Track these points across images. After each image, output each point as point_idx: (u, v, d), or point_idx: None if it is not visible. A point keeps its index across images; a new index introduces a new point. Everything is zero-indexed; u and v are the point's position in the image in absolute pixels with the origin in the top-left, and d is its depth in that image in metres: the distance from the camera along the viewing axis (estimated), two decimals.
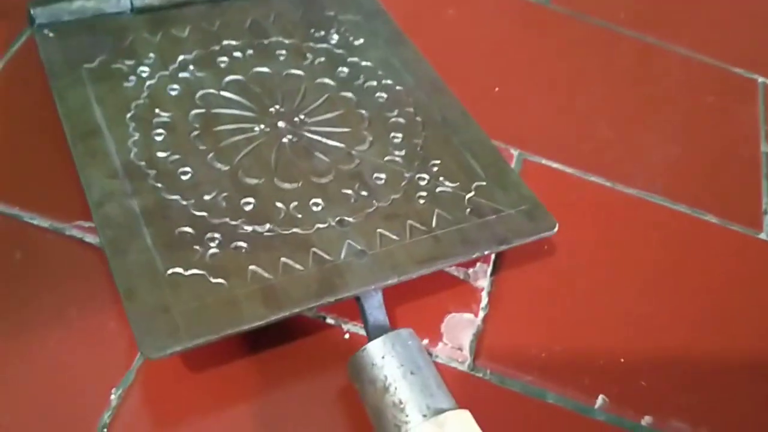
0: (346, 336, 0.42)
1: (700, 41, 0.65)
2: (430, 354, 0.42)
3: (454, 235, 0.42)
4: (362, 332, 0.42)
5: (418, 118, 0.49)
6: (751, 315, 0.48)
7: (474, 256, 0.42)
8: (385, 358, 0.36)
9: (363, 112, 0.48)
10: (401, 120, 0.48)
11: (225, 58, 0.50)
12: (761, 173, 0.56)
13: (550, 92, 0.57)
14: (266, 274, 0.38)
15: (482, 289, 0.45)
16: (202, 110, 0.46)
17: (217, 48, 0.50)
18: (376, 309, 0.39)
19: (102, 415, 0.37)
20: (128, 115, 0.45)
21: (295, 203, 0.42)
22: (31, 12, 0.48)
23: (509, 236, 0.43)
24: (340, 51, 0.52)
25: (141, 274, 0.37)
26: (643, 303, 0.47)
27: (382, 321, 0.39)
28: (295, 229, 0.41)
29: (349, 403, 0.39)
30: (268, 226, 0.41)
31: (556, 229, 0.44)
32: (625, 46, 0.63)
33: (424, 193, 0.44)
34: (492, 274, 0.46)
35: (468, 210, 0.44)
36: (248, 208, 0.41)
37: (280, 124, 0.46)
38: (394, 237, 0.41)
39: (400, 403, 0.35)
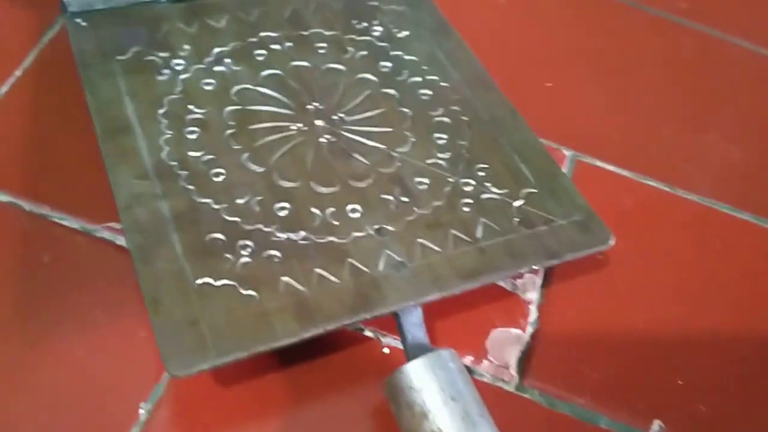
0: (385, 350, 0.40)
1: (766, 34, 0.60)
2: (474, 372, 0.40)
3: (500, 247, 0.39)
4: (402, 347, 0.39)
5: (464, 118, 0.46)
6: None
7: (522, 270, 0.39)
8: (424, 382, 0.34)
9: (405, 110, 0.46)
10: (446, 119, 0.45)
11: (263, 51, 0.47)
12: None
13: (606, 88, 0.54)
14: (299, 286, 0.36)
15: (531, 302, 0.42)
16: (238, 107, 0.44)
17: (254, 40, 0.48)
18: (415, 326, 0.37)
19: (130, 431, 0.35)
20: (161, 111, 0.43)
21: (332, 209, 0.40)
22: (64, 0, 0.46)
23: (560, 250, 0.40)
24: (382, 44, 0.49)
25: (169, 283, 0.35)
26: (704, 320, 0.44)
27: (422, 339, 0.37)
28: (330, 238, 0.39)
29: (385, 423, 0.37)
30: (302, 233, 0.39)
31: (611, 242, 0.41)
32: (686, 38, 0.59)
33: (468, 201, 0.41)
34: (542, 285, 0.43)
35: (516, 220, 0.41)
36: (283, 213, 0.39)
37: (318, 122, 0.44)
38: (436, 248, 0.39)
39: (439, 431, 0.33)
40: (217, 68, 0.46)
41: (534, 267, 0.39)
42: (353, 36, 0.49)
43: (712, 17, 0.60)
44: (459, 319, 0.41)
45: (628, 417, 0.39)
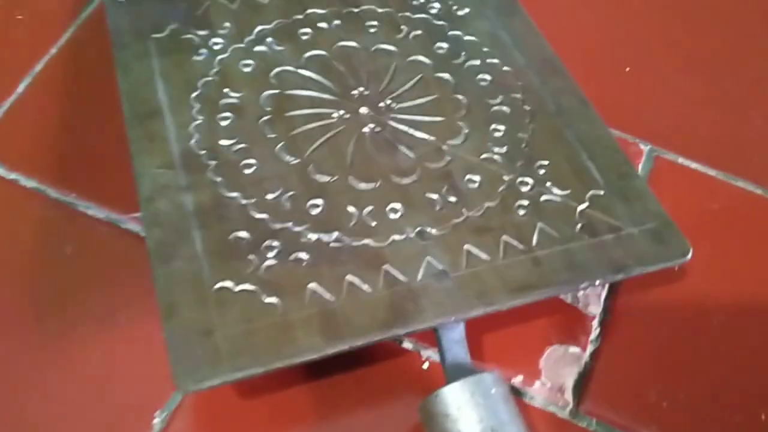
0: (425, 365, 0.36)
1: None
2: (523, 395, 0.35)
3: (558, 257, 0.35)
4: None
5: (526, 107, 0.41)
6: None
7: (582, 285, 0.34)
8: (462, 410, 0.30)
9: (460, 97, 0.41)
10: (505, 108, 0.41)
11: (308, 30, 0.44)
12: None
13: (692, 74, 0.47)
14: (327, 295, 0.33)
15: (593, 317, 0.38)
16: (276, 91, 0.41)
17: (300, 17, 0.44)
18: (455, 344, 0.33)
19: None
20: (194, 95, 0.40)
21: (370, 208, 0.36)
22: None
23: (628, 263, 0.35)
24: (440, 22, 0.45)
25: (185, 286, 0.33)
26: None
27: (463, 358, 0.33)
28: (366, 240, 0.35)
29: None
30: (335, 234, 0.35)
31: (689, 256, 0.36)
32: None
33: (525, 202, 0.37)
34: (607, 298, 0.38)
35: (579, 226, 0.36)
36: (315, 211, 0.36)
37: (363, 110, 0.40)
38: (484, 256, 0.34)
39: None
40: (257, 48, 0.42)
41: (596, 282, 0.34)
42: (408, 13, 0.45)
43: None
44: (509, 333, 0.37)
45: None
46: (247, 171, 0.37)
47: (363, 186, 0.37)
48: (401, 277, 0.33)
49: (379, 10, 0.45)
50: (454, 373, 0.32)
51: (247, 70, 0.41)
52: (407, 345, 0.36)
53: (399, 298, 0.33)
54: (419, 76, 0.42)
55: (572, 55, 0.44)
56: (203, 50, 0.42)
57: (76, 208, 0.39)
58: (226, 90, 0.40)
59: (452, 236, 0.35)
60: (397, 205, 0.36)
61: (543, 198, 0.37)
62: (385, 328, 0.32)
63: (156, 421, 0.33)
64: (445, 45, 0.44)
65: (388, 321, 0.32)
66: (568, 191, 0.37)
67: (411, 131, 0.39)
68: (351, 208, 0.36)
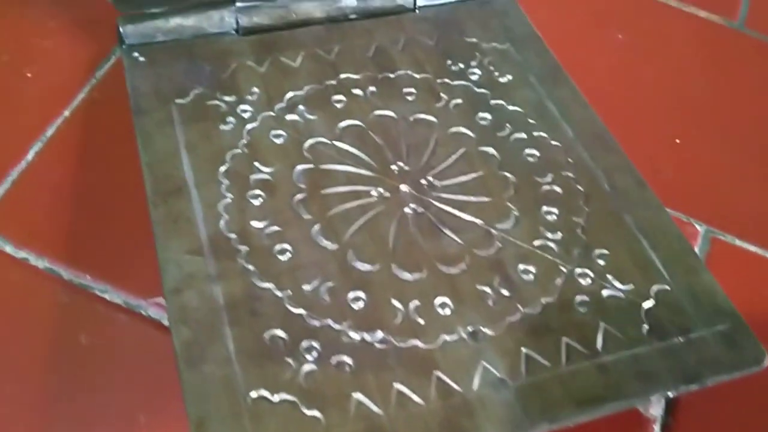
0: None
1: None
2: None
3: (626, 364, 0.31)
4: None
5: (579, 187, 0.38)
6: None
7: (653, 396, 0.31)
8: None
9: (507, 175, 0.38)
10: (557, 188, 0.38)
11: (342, 97, 0.41)
12: None
13: (748, 146, 0.45)
14: (374, 407, 0.29)
15: (654, 421, 0.35)
16: (310, 165, 0.38)
17: (333, 83, 0.41)
18: None
19: None
20: (222, 169, 0.37)
21: (416, 302, 0.33)
22: (121, 30, 0.41)
23: (701, 371, 0.32)
24: (481, 90, 0.42)
25: (218, 396, 0.29)
26: None
27: None
28: (414, 341, 0.32)
29: None
30: (380, 334, 0.32)
31: (765, 363, 0.33)
32: None
33: (586, 298, 0.34)
34: (669, 400, 0.35)
35: (646, 327, 0.33)
36: (357, 306, 0.33)
37: (403, 187, 0.37)
38: (545, 362, 0.31)
39: None
40: (289, 117, 0.39)
41: (668, 393, 0.31)
42: (447, 80, 0.42)
43: None
44: None
45: None
46: (282, 258, 0.34)
47: (407, 276, 0.34)
48: (455, 386, 0.30)
49: (416, 76, 0.42)
50: None
51: (278, 141, 0.38)
52: None
53: (454, 413, 0.30)
54: (462, 150, 0.39)
55: (619, 125, 0.41)
56: (231, 118, 0.39)
57: (92, 292, 0.36)
58: (256, 164, 0.37)
59: (508, 337, 0.32)
60: (446, 300, 0.33)
61: (605, 293, 0.34)
62: None
63: None
64: (487, 116, 0.41)
65: None
66: (631, 286, 0.34)
67: (456, 212, 0.36)
68: (396, 303, 0.33)
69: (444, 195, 0.37)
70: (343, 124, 0.40)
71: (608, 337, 0.32)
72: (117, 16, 0.41)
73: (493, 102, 0.41)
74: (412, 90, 0.42)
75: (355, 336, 0.32)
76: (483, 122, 0.41)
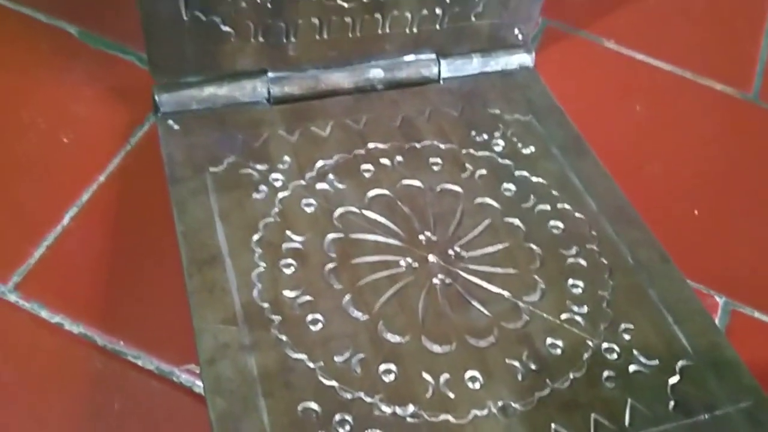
0: None
1: None
2: None
3: None
4: None
5: (604, 260, 0.39)
6: None
7: None
8: None
9: (533, 247, 0.39)
10: (582, 261, 0.39)
11: (370, 166, 0.42)
12: None
13: (766, 218, 0.46)
14: None
15: None
16: (340, 234, 0.38)
17: (361, 152, 0.43)
18: None
19: None
20: (255, 238, 0.38)
21: (447, 376, 0.33)
22: (156, 99, 0.42)
23: None
24: (505, 161, 0.43)
25: None
26: None
27: None
28: (445, 416, 0.32)
29: None
30: (411, 408, 0.32)
31: None
32: None
33: (612, 373, 0.34)
34: None
35: (672, 403, 0.33)
36: (389, 378, 0.33)
37: (431, 258, 0.38)
38: None
39: None
40: (319, 185, 0.40)
41: None
42: (472, 150, 0.43)
43: None
44: None
45: None
46: (314, 328, 0.35)
47: (437, 349, 0.34)
48: None
49: (442, 147, 0.43)
50: None
51: (309, 210, 0.39)
52: None
53: None
54: (488, 220, 0.40)
55: (638, 195, 0.42)
56: (263, 187, 0.40)
57: (125, 358, 0.36)
58: (288, 233, 0.38)
59: (538, 413, 0.32)
60: (476, 373, 0.34)
61: (631, 368, 0.34)
62: None
63: None
64: (512, 187, 0.42)
65: None
66: (655, 361, 0.35)
67: (484, 284, 0.37)
68: (426, 376, 0.33)
69: (471, 266, 0.38)
70: (372, 193, 0.41)
71: (635, 414, 0.33)
72: (152, 84, 0.42)
73: (517, 173, 0.43)
74: (438, 160, 0.43)
75: (387, 409, 0.32)
76: (508, 193, 0.42)
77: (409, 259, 0.38)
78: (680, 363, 0.35)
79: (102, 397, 0.35)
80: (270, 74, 0.44)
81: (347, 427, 0.31)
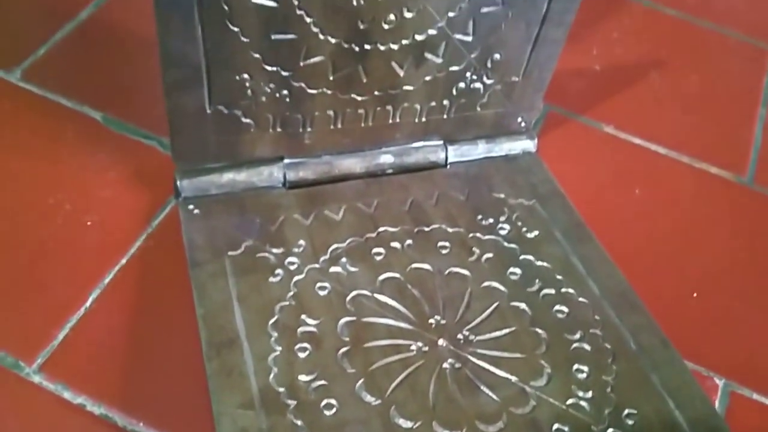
0: None
1: None
2: None
3: None
4: None
5: (607, 345, 0.40)
6: None
7: None
8: None
9: (539, 331, 0.41)
10: (586, 346, 0.40)
11: (381, 250, 0.44)
12: None
13: (763, 300, 0.47)
14: None
15: None
16: (353, 318, 0.40)
17: (373, 235, 0.44)
18: None
19: None
20: (271, 321, 0.39)
21: None
22: (178, 184, 0.44)
23: None
24: (511, 245, 0.45)
25: None
26: None
27: None
28: None
29: None
30: None
31: None
32: None
33: None
34: None
35: None
36: None
37: (441, 342, 0.39)
38: None
39: None
40: (333, 269, 0.42)
41: None
42: (478, 234, 0.45)
43: None
44: None
45: None
46: (328, 413, 0.36)
47: None
48: None
49: (449, 230, 0.45)
50: None
51: (323, 293, 0.41)
52: None
53: None
54: (495, 304, 0.42)
55: (639, 279, 0.44)
56: (279, 270, 0.42)
57: None
58: (303, 316, 0.40)
59: None
60: None
61: None
62: None
63: None
64: (518, 270, 0.44)
65: None
66: None
67: (492, 369, 0.39)
68: None
69: (480, 350, 0.39)
70: (383, 276, 0.42)
71: None
72: (174, 169, 0.44)
73: (522, 257, 0.44)
74: (446, 244, 0.45)
75: None
76: (513, 277, 0.43)
77: (419, 343, 0.39)
78: None
79: None
80: (286, 160, 0.46)
81: None
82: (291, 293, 0.41)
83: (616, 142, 0.54)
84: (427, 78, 0.45)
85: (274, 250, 0.43)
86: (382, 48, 0.42)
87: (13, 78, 0.52)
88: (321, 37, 0.40)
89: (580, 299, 0.42)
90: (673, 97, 0.58)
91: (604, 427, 0.36)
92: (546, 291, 0.43)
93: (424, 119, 0.47)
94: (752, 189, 0.53)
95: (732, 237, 0.50)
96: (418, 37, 0.43)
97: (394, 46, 0.42)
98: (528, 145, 0.51)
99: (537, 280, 0.43)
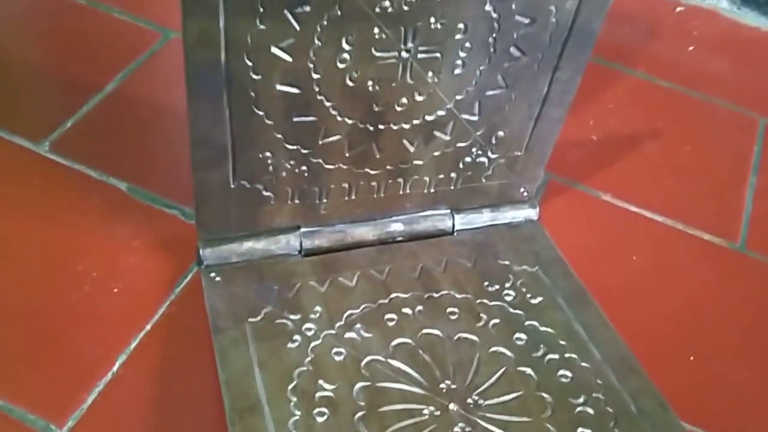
0: None
1: None
2: None
3: None
4: None
5: (609, 409, 0.42)
6: None
7: None
8: None
9: (545, 396, 0.43)
10: (589, 410, 0.42)
11: (393, 315, 0.46)
12: None
13: (758, 363, 0.50)
14: None
15: None
16: (368, 383, 0.42)
17: (385, 301, 0.47)
18: None
19: None
20: (290, 387, 0.41)
21: None
22: (201, 253, 0.47)
23: None
24: (516, 311, 0.47)
25: None
26: None
27: None
28: None
29: None
30: None
31: None
32: None
33: None
34: None
35: None
36: None
37: (452, 406, 0.42)
38: None
39: None
40: (347, 335, 0.45)
41: None
42: (485, 300, 0.48)
43: None
44: None
45: None
46: None
47: None
48: None
49: (458, 296, 0.48)
50: None
51: (339, 358, 0.43)
52: None
53: None
54: (503, 369, 0.44)
55: (637, 342, 0.46)
56: (297, 336, 0.44)
57: None
58: (320, 381, 0.42)
59: None
60: None
61: None
62: None
63: None
64: (523, 336, 0.46)
65: None
66: None
67: None
68: None
69: (489, 414, 0.41)
70: (395, 342, 0.45)
71: None
72: (196, 239, 0.47)
73: (527, 323, 0.47)
74: (455, 309, 0.47)
75: None
76: (519, 342, 0.46)
77: (431, 407, 0.41)
78: None
79: None
80: (303, 229, 0.49)
81: None
82: (309, 359, 0.43)
83: (613, 209, 0.57)
84: (436, 153, 0.48)
85: (292, 317, 0.45)
86: (394, 127, 0.45)
87: (42, 150, 0.55)
88: (339, 118, 0.44)
89: (583, 364, 0.45)
90: (668, 166, 0.61)
91: None
92: (550, 356, 0.45)
93: (432, 190, 0.50)
94: (744, 254, 0.56)
95: (726, 301, 0.53)
96: (428, 118, 0.46)
97: (406, 126, 0.46)
98: (530, 213, 0.54)
99: (542, 346, 0.45)
